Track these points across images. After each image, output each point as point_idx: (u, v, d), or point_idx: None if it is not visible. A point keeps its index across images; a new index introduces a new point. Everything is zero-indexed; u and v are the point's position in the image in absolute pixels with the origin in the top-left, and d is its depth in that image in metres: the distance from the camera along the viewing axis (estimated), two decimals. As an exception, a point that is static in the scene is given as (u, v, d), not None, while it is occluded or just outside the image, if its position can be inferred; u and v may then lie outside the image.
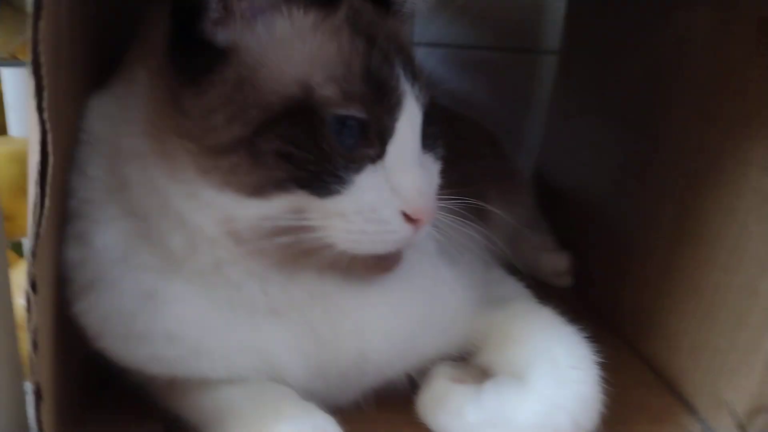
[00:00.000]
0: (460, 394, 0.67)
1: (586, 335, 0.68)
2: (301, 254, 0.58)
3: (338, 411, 0.61)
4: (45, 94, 0.50)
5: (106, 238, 0.60)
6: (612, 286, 1.00)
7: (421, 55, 0.65)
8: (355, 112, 0.55)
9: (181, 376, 0.63)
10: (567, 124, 1.27)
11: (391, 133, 0.57)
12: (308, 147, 0.54)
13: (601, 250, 1.06)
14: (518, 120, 1.50)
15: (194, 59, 0.55)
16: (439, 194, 0.64)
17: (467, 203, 0.67)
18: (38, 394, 0.53)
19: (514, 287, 0.82)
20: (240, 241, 0.58)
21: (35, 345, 0.52)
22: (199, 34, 0.55)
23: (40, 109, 0.49)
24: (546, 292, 1.06)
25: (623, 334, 0.95)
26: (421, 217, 0.58)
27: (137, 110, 0.59)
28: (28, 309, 0.52)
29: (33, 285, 0.51)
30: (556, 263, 1.13)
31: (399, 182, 0.57)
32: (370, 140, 0.57)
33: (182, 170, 0.56)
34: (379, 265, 0.62)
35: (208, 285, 0.60)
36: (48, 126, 0.50)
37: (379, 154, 0.57)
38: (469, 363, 0.73)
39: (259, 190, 0.54)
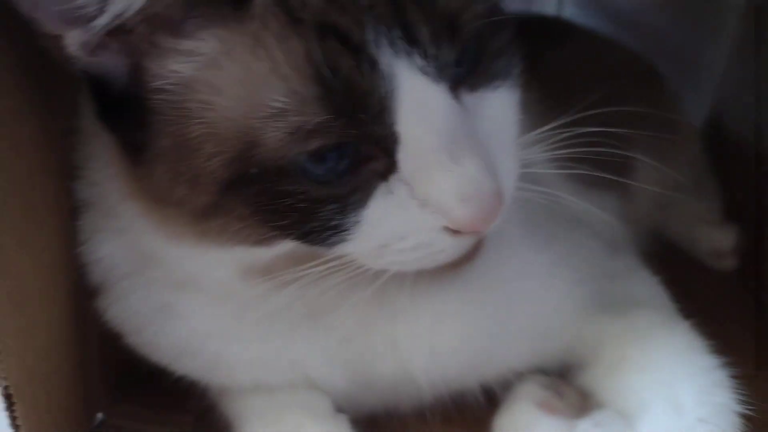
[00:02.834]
0: (546, 427, 0.55)
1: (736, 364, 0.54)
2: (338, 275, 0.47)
3: (400, 421, 0.59)
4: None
5: (112, 250, 0.56)
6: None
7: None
8: (323, 142, 0.41)
9: (205, 381, 0.61)
10: (755, 58, 0.98)
11: (395, 139, 0.42)
12: (285, 203, 0.42)
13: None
14: (696, 47, 1.22)
15: (127, 127, 0.46)
16: (548, 132, 0.50)
17: (597, 151, 0.50)
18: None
19: (645, 285, 0.64)
20: (265, 272, 0.49)
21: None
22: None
23: None
24: (698, 276, 0.86)
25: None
26: (473, 228, 0.43)
27: (114, 176, 0.51)
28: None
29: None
30: (717, 241, 0.90)
31: (427, 195, 0.42)
32: (369, 156, 0.43)
33: (180, 234, 0.48)
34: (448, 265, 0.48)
35: (229, 298, 0.54)
36: None
37: (388, 168, 0.43)
38: (567, 380, 0.60)
39: (261, 242, 0.46)
